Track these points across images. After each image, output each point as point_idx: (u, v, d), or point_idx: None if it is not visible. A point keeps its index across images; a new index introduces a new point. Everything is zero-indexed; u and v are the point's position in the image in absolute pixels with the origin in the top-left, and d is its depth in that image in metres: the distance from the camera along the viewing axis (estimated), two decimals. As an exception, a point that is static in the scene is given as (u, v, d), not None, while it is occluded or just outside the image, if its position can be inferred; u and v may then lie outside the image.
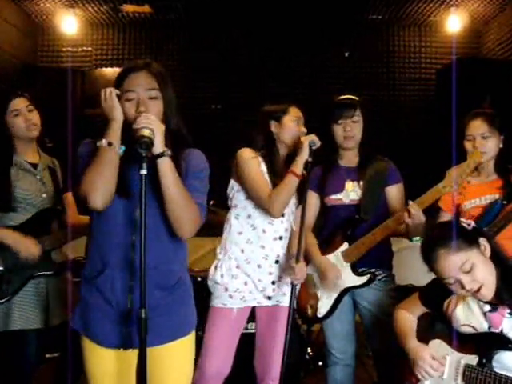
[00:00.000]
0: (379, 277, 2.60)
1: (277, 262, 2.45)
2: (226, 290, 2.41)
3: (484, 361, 1.87)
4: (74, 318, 1.85)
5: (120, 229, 1.75)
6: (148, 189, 1.65)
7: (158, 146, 1.67)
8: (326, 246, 2.62)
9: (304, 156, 2.36)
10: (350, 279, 2.56)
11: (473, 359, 1.91)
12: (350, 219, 2.58)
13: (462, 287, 1.91)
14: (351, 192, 2.62)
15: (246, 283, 2.43)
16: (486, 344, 1.90)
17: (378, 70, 5.73)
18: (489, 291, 1.91)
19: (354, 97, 2.66)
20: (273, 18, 5.34)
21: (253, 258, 2.43)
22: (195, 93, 5.33)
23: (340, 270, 2.56)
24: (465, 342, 1.97)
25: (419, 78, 5.76)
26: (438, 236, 1.97)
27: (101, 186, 1.69)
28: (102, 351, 1.80)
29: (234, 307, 2.41)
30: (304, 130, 2.49)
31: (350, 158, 2.69)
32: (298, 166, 2.36)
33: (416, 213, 2.35)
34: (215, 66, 5.48)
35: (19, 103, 2.55)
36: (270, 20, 5.37)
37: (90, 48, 5.64)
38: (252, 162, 2.42)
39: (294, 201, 2.49)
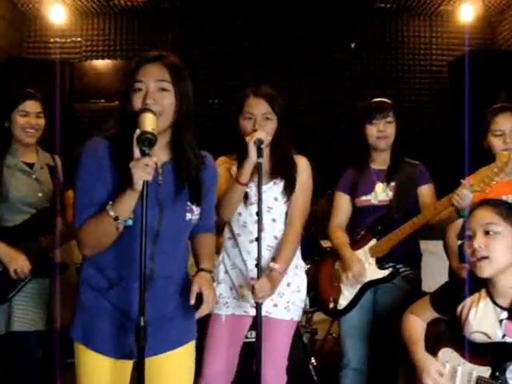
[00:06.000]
0: (404, 273, 2.70)
1: (257, 265, 2.37)
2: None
3: (497, 373, 1.87)
4: (74, 328, 1.84)
5: (135, 236, 1.74)
6: (165, 198, 1.74)
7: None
8: (355, 244, 2.75)
9: (251, 160, 2.24)
10: (372, 273, 2.67)
11: (485, 371, 1.91)
12: (380, 217, 2.72)
13: (472, 246, 1.99)
14: (381, 193, 2.75)
15: (231, 289, 2.47)
16: (499, 354, 1.91)
17: (386, 62, 5.72)
18: (490, 269, 1.97)
19: (387, 100, 2.86)
20: (273, 7, 5.33)
21: (236, 264, 2.47)
22: (191, 86, 5.32)
23: (365, 266, 2.67)
24: (477, 351, 1.97)
25: (430, 70, 5.75)
26: (497, 200, 2.15)
27: (96, 249, 1.76)
28: (102, 361, 1.81)
29: (221, 313, 2.44)
30: (257, 127, 2.32)
31: (381, 160, 2.82)
32: (244, 174, 2.28)
33: (467, 193, 2.34)
34: (212, 59, 5.47)
35: (32, 106, 2.67)
36: (271, 10, 5.36)
37: (79, 38, 5.64)
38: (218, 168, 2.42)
39: (274, 196, 2.44)
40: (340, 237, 2.79)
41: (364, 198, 2.78)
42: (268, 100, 2.38)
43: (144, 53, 1.84)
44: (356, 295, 2.70)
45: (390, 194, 2.74)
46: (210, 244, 2.04)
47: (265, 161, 2.43)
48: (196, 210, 1.87)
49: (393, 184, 2.75)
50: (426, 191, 2.77)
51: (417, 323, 2.19)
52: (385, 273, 2.67)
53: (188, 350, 1.94)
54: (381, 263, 2.68)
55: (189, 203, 1.85)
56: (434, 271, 2.96)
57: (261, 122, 2.35)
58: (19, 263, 2.50)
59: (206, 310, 1.85)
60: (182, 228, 1.87)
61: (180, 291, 1.91)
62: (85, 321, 1.83)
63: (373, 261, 2.69)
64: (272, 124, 2.39)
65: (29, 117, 2.64)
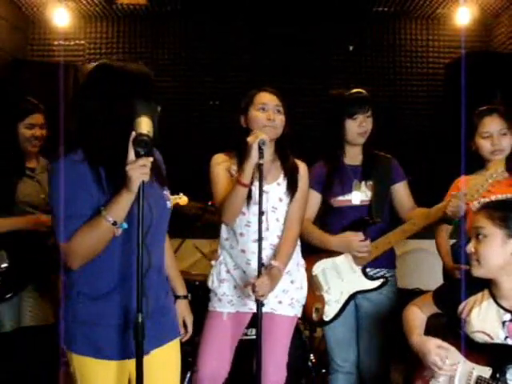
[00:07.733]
0: (385, 276, 2.63)
1: (262, 264, 2.36)
2: (216, 294, 2.46)
3: (498, 375, 1.85)
4: (75, 343, 1.78)
5: (132, 234, 1.73)
6: (149, 189, 1.69)
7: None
8: None
9: (253, 160, 2.21)
10: (361, 283, 2.57)
11: (486, 371, 1.89)
12: (360, 221, 2.58)
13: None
14: (360, 193, 2.63)
15: (235, 287, 2.45)
16: (500, 356, 1.88)
17: (383, 64, 5.69)
18: (481, 270, 1.98)
19: (364, 91, 2.67)
20: (274, 10, 5.31)
21: (239, 264, 2.44)
22: (192, 88, 5.30)
23: (351, 275, 2.58)
24: (478, 350, 1.96)
25: (427, 72, 5.73)
26: (498, 200, 2.20)
27: (87, 259, 1.71)
28: (107, 366, 1.79)
29: (223, 311, 2.44)
30: (272, 117, 2.35)
31: (353, 155, 2.69)
32: (245, 175, 2.24)
33: (461, 205, 2.35)
34: (213, 61, 5.45)
35: (37, 119, 2.81)
36: (271, 12, 5.35)
37: (82, 41, 5.61)
38: (215, 168, 2.41)
39: (279, 196, 2.43)
40: (317, 230, 2.63)
41: (341, 198, 2.64)
42: (277, 95, 2.42)
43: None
44: (343, 305, 2.60)
45: (369, 194, 2.62)
46: (174, 261, 2.14)
47: (269, 160, 2.43)
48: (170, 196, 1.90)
49: (370, 183, 2.62)
50: (401, 188, 2.68)
51: (417, 314, 2.17)
52: (375, 284, 2.57)
53: (177, 344, 1.96)
54: (367, 273, 2.58)
55: (165, 192, 1.87)
56: (430, 269, 2.95)
57: (274, 112, 2.36)
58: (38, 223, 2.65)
59: (188, 335, 2.10)
60: (166, 217, 1.88)
61: (167, 284, 1.97)
62: (88, 334, 1.76)
63: (358, 269, 2.57)
64: (282, 117, 2.39)
65: (34, 129, 2.78)
